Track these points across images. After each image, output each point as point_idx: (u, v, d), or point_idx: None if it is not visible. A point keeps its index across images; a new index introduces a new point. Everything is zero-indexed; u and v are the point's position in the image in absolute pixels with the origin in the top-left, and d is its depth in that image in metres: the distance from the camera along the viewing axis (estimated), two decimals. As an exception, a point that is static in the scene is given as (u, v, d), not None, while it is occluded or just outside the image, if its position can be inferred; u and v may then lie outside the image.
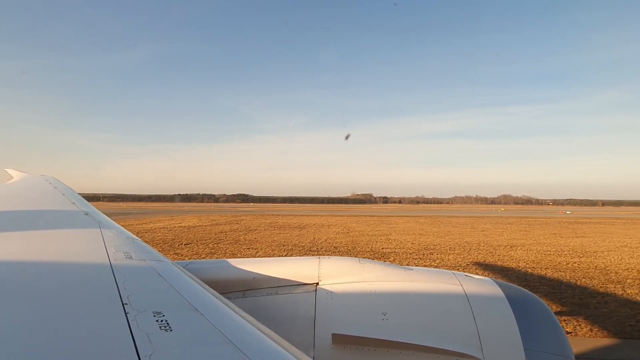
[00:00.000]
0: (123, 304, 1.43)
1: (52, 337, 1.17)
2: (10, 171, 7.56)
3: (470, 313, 2.74)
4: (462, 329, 2.68)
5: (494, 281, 3.08)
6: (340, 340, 2.67)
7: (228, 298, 2.16)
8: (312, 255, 4.49)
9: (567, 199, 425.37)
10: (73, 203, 4.42)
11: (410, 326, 2.71)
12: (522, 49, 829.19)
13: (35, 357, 1.06)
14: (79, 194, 5.37)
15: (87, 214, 3.73)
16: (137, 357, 1.06)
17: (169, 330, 1.26)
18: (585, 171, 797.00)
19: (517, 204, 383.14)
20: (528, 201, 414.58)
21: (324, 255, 3.50)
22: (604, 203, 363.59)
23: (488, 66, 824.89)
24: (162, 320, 1.32)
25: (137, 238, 3.06)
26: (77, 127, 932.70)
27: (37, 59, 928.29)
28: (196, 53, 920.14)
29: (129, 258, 2.26)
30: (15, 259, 2.10)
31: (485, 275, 3.15)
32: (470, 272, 3.93)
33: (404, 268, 3.22)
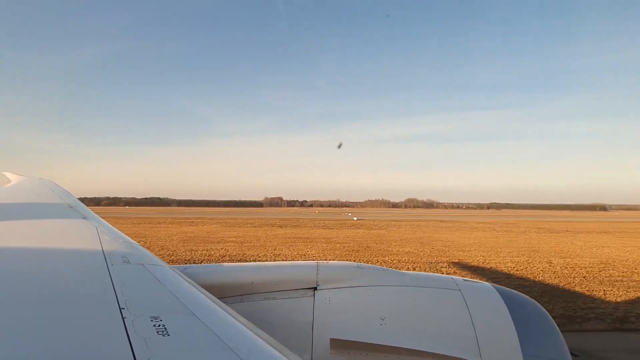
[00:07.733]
0: (120, 309, 1.41)
1: (49, 341, 1.15)
2: (8, 175, 7.81)
3: (468, 318, 2.75)
4: (461, 333, 2.71)
5: (493, 286, 3.07)
6: (338, 345, 2.69)
7: (226, 303, 2.17)
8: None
9: (467, 203, 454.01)
10: (71, 207, 4.42)
11: (408, 331, 2.73)
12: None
13: None
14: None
15: (85, 218, 3.75)
16: None
17: (166, 335, 1.24)
18: (490, 176, 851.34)
19: (416, 207, 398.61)
20: (430, 205, 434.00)
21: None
22: (489, 206, 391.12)
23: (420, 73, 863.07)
24: (159, 325, 1.30)
25: (135, 242, 3.06)
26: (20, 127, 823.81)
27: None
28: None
29: (126, 262, 2.24)
30: (12, 263, 2.06)
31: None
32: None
33: (402, 273, 3.21)
